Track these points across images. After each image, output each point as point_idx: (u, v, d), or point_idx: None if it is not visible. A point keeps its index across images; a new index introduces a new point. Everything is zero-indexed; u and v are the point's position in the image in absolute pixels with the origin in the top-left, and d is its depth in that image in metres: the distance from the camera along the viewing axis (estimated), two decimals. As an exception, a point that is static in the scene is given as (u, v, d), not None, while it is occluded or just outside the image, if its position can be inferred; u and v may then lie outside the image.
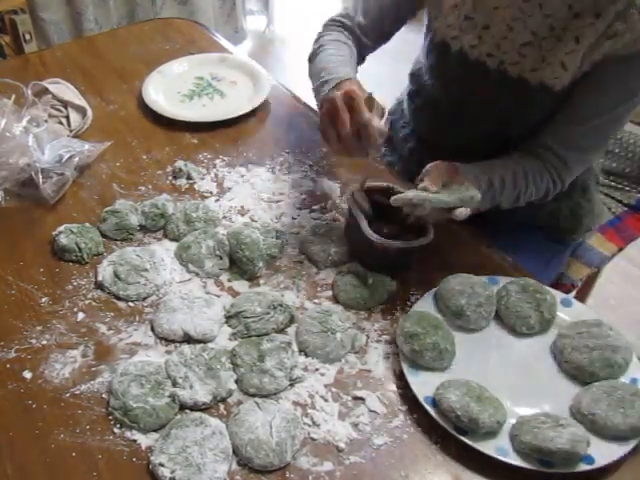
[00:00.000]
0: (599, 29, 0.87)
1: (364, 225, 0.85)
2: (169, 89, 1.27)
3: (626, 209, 1.35)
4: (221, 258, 0.91)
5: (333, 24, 1.13)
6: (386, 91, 1.12)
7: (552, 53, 0.92)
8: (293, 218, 1.00)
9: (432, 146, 1.13)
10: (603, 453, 0.68)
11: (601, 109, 0.93)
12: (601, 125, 0.94)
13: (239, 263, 0.90)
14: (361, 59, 1.13)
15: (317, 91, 1.00)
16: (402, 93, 1.26)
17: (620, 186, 1.37)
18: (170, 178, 1.07)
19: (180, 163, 1.07)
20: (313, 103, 1.24)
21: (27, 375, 0.77)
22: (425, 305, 0.84)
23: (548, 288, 0.84)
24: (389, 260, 0.88)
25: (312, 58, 1.09)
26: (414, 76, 1.17)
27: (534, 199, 0.99)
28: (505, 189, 0.93)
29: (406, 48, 1.32)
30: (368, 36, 1.11)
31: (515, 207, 0.99)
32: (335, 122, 0.88)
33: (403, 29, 1.14)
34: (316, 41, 1.12)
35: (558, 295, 0.85)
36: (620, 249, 1.31)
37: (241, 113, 1.18)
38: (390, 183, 0.92)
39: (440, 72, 1.07)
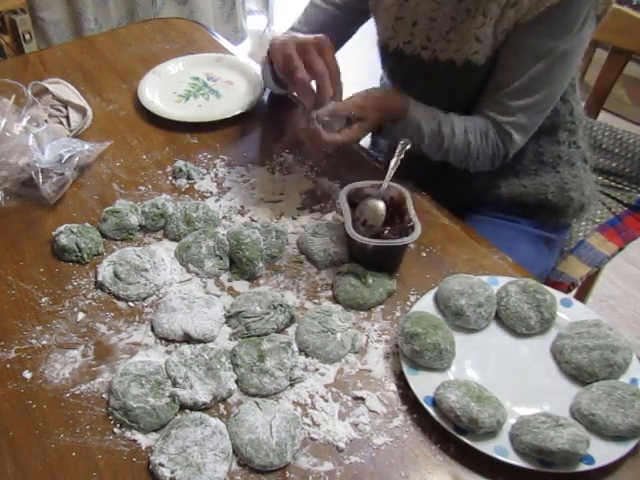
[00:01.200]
0: (502, 1, 0.95)
1: (347, 224, 0.86)
2: (165, 89, 1.27)
3: (626, 209, 1.35)
4: (221, 258, 0.91)
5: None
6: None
7: (468, 31, 1.00)
8: (293, 218, 1.00)
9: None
10: (603, 453, 0.68)
11: (519, 71, 0.98)
12: (525, 87, 0.99)
13: (239, 263, 0.90)
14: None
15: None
16: None
17: (620, 186, 1.37)
18: (170, 178, 1.07)
19: (180, 163, 1.07)
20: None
21: (27, 375, 0.77)
22: (425, 305, 0.84)
23: (548, 288, 0.84)
24: (375, 258, 0.88)
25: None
26: (381, 76, 1.25)
27: (482, 161, 1.04)
28: (454, 139, 1.00)
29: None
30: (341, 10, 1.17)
31: (502, 183, 1.06)
32: (305, 61, 0.91)
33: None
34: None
35: (558, 295, 0.85)
36: (620, 249, 1.31)
37: (237, 113, 1.18)
38: (381, 181, 0.92)
39: (387, 71, 1.18)
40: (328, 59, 0.91)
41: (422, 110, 1.00)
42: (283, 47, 0.92)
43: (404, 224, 0.88)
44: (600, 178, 1.38)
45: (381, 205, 0.90)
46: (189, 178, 1.06)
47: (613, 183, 1.38)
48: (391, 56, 1.11)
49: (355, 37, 1.24)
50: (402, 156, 0.93)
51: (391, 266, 0.90)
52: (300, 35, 0.94)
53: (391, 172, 0.91)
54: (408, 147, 0.94)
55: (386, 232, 0.88)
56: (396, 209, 0.91)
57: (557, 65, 0.98)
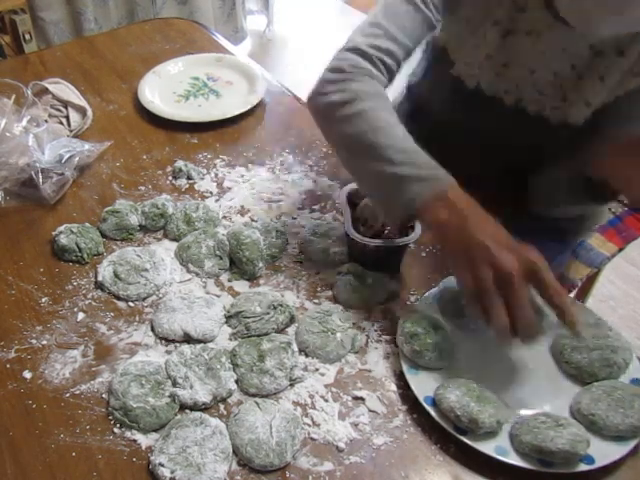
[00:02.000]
0: (624, 67, 0.85)
1: (347, 224, 0.85)
2: (165, 89, 1.27)
3: (626, 209, 1.35)
4: (221, 258, 0.91)
5: (356, 68, 0.87)
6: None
7: (574, 92, 0.90)
8: (293, 218, 1.00)
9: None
10: (603, 453, 0.68)
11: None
12: None
13: (239, 263, 0.90)
14: None
15: (388, 181, 0.77)
16: (395, 99, 1.19)
17: None
18: (170, 178, 1.07)
19: (180, 163, 1.07)
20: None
21: (27, 375, 0.77)
22: (425, 305, 0.84)
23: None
24: (375, 258, 0.87)
25: (342, 115, 0.83)
26: (412, 92, 1.12)
27: None
28: None
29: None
30: (400, 67, 0.93)
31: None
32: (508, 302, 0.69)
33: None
34: (343, 90, 0.85)
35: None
36: (620, 249, 1.31)
37: (236, 113, 1.19)
38: None
39: (452, 105, 1.02)
40: (547, 295, 0.70)
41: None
42: (471, 259, 0.70)
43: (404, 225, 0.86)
44: None
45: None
46: (189, 178, 1.06)
47: None
48: (468, 92, 0.97)
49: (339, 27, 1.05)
50: None
51: (392, 266, 0.90)
52: (503, 237, 0.70)
53: None
54: None
55: (386, 232, 0.87)
56: None
57: None
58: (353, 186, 0.90)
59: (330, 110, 0.84)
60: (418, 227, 0.85)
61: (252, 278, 0.90)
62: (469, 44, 0.94)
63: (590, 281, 1.46)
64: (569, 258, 1.25)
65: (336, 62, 0.88)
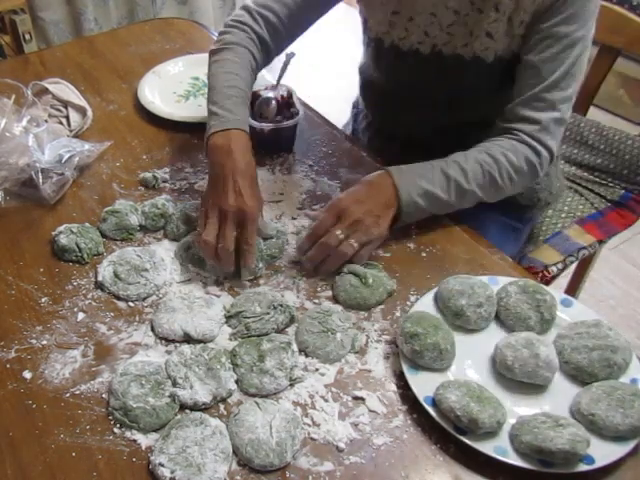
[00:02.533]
0: None
1: (250, 120, 1.02)
2: (165, 89, 1.27)
3: (609, 204, 1.37)
4: (221, 258, 0.91)
5: (238, 23, 1.06)
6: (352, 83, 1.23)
7: (477, 26, 0.97)
8: (293, 218, 1.00)
9: (389, 136, 1.19)
10: (603, 453, 0.68)
11: (557, 61, 0.94)
12: (564, 77, 0.95)
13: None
14: (267, 57, 1.09)
15: (208, 113, 0.96)
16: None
17: (604, 182, 1.39)
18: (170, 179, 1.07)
19: (148, 175, 1.05)
20: (313, 103, 1.25)
21: (27, 375, 0.77)
22: (425, 305, 0.84)
23: (548, 289, 0.84)
24: (272, 140, 1.09)
25: (211, 59, 1.04)
26: (361, 70, 1.22)
27: (523, 178, 0.97)
28: (468, 174, 0.92)
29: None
30: (282, 23, 1.06)
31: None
32: (219, 230, 0.86)
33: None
34: (218, 38, 1.06)
35: (558, 295, 0.85)
36: (600, 241, 1.32)
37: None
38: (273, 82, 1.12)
39: (380, 65, 1.13)
40: (245, 235, 0.86)
41: (412, 173, 0.92)
42: (206, 205, 0.88)
43: (291, 113, 1.09)
44: (585, 174, 1.40)
45: (272, 101, 1.08)
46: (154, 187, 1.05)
47: (597, 179, 1.39)
48: (387, 52, 1.07)
49: (338, 27, 1.23)
50: (289, 65, 1.10)
51: (286, 146, 1.12)
52: (230, 199, 0.86)
53: (282, 74, 1.11)
54: (293, 58, 1.09)
55: (278, 119, 1.08)
56: (286, 103, 1.10)
57: (585, 51, 0.96)
58: (257, 86, 1.08)
59: (209, 56, 1.06)
60: (302, 111, 1.08)
61: (252, 278, 0.90)
62: (376, 4, 1.05)
63: (579, 276, 1.50)
64: (526, 235, 1.26)
65: (228, 18, 1.10)
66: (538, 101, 0.96)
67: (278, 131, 1.09)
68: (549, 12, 0.93)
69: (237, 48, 1.03)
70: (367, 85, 1.22)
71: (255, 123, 1.05)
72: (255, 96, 1.09)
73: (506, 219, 1.18)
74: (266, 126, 1.07)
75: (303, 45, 1.20)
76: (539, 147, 0.96)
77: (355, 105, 1.38)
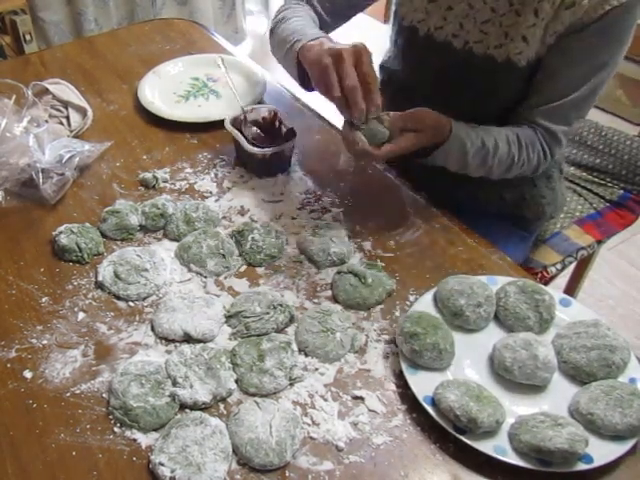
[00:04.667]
0: (556, 0, 0.91)
1: (244, 143, 1.03)
2: (165, 90, 1.27)
3: (608, 204, 1.37)
4: (224, 257, 0.91)
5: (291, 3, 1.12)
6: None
7: (513, 28, 0.96)
8: (293, 218, 1.00)
9: None
10: (601, 452, 0.69)
11: (580, 81, 0.95)
12: (584, 98, 0.97)
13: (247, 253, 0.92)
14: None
15: (289, 51, 0.98)
16: None
17: (603, 182, 1.39)
18: (169, 179, 1.07)
19: (148, 175, 1.06)
20: (313, 103, 1.25)
21: (27, 375, 0.77)
22: (424, 305, 0.84)
23: (547, 289, 0.84)
24: (271, 163, 1.06)
25: (274, 29, 1.08)
26: (383, 67, 1.20)
27: (524, 170, 1.02)
28: (498, 153, 0.96)
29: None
30: (327, 14, 1.11)
31: (481, 194, 1.04)
32: (339, 73, 0.85)
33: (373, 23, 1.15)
34: (276, 15, 1.11)
35: (557, 295, 0.85)
36: (599, 242, 1.32)
37: (237, 113, 1.18)
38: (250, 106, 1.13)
39: (410, 56, 1.11)
40: (365, 70, 0.84)
41: (464, 128, 0.95)
42: (319, 59, 0.87)
43: (283, 133, 1.08)
44: (584, 174, 1.40)
45: (254, 128, 1.10)
46: (156, 185, 1.05)
47: (596, 179, 1.40)
48: (421, 41, 1.05)
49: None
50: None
51: (283, 168, 1.09)
52: (334, 43, 0.89)
53: (235, 92, 1.13)
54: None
55: (277, 142, 1.05)
56: (272, 123, 1.11)
57: (611, 75, 0.96)
58: (230, 115, 1.09)
59: (271, 25, 1.11)
60: (295, 131, 1.05)
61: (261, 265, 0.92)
62: None
63: (578, 276, 1.50)
64: (531, 243, 1.27)
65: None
66: (558, 116, 0.99)
67: (280, 153, 1.06)
68: (586, 30, 0.91)
69: (298, 7, 1.09)
70: (389, 81, 1.19)
71: (255, 150, 1.03)
72: (236, 120, 1.08)
73: (513, 228, 1.19)
74: (268, 151, 1.03)
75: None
76: (548, 152, 1.01)
77: None
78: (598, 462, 0.68)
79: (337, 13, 1.13)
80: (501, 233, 1.14)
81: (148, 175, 1.05)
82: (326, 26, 1.12)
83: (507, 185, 1.10)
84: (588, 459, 0.68)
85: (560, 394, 0.76)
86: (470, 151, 0.94)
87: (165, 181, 1.06)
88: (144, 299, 0.87)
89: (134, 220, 0.96)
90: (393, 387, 0.77)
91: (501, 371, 0.77)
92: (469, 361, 0.79)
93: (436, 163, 0.96)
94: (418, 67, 1.10)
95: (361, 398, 0.76)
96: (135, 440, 0.71)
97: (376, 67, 1.08)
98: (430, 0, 1.02)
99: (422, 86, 1.09)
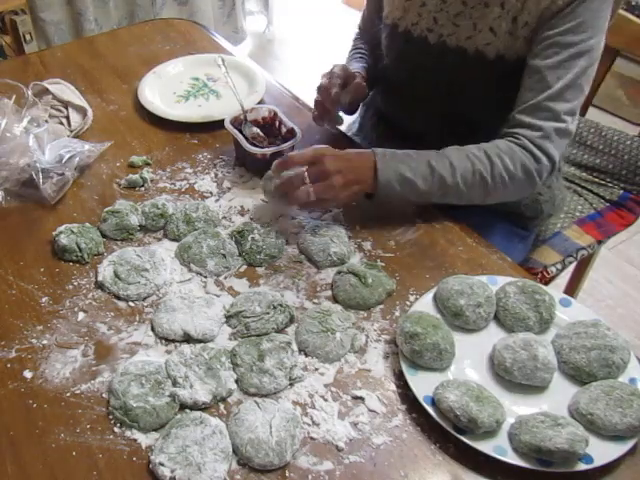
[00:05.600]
0: None
1: (245, 144, 1.03)
2: (165, 90, 1.27)
3: (608, 205, 1.37)
4: (224, 257, 0.91)
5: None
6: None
7: (481, 20, 0.99)
8: (293, 218, 1.00)
9: (399, 132, 1.19)
10: (601, 452, 0.68)
11: (562, 69, 0.93)
12: (569, 87, 0.94)
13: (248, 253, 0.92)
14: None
15: None
16: None
17: (603, 182, 1.39)
18: (168, 180, 1.07)
19: (135, 176, 1.06)
20: (313, 102, 1.25)
21: (28, 375, 0.77)
22: (424, 305, 0.84)
23: (546, 289, 0.84)
24: (269, 164, 1.00)
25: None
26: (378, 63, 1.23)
27: (518, 185, 0.95)
28: (457, 173, 0.92)
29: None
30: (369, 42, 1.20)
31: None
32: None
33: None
34: None
35: (557, 295, 0.85)
36: (599, 242, 1.33)
37: (237, 113, 1.19)
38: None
39: (392, 53, 1.14)
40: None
41: (398, 156, 0.93)
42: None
43: (282, 133, 1.09)
44: (584, 174, 1.40)
45: (254, 128, 1.09)
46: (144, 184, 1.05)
47: (596, 179, 1.40)
48: (400, 37, 1.09)
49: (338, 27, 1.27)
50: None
51: None
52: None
53: (236, 92, 1.12)
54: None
55: (277, 142, 1.07)
56: (272, 124, 1.11)
57: (593, 63, 0.95)
58: (230, 115, 1.09)
59: None
60: (299, 130, 1.05)
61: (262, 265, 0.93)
62: None
63: (578, 276, 1.50)
64: (531, 242, 1.27)
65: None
66: (542, 110, 0.94)
67: (279, 154, 1.04)
68: (556, 19, 0.92)
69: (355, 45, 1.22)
70: (379, 76, 1.22)
71: (257, 150, 1.04)
72: (236, 123, 1.09)
73: (513, 227, 1.19)
74: (268, 151, 1.04)
75: (304, 45, 1.21)
76: (539, 154, 0.95)
77: (365, 102, 1.36)
78: (598, 462, 0.68)
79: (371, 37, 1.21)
80: (501, 233, 1.14)
81: (134, 177, 1.05)
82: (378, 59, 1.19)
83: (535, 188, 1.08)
84: (588, 459, 0.68)
85: (560, 394, 0.76)
86: (414, 178, 0.92)
87: (152, 180, 1.06)
88: (144, 299, 0.87)
89: (134, 220, 0.96)
90: (393, 387, 0.77)
91: (501, 372, 0.77)
92: (469, 361, 0.79)
93: (385, 198, 0.94)
94: (399, 60, 1.14)
95: (361, 398, 0.76)
96: (135, 440, 0.71)
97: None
98: None
99: (403, 82, 1.14)
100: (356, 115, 1.42)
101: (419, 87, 1.11)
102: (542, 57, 0.94)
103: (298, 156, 0.92)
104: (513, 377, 0.76)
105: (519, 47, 0.98)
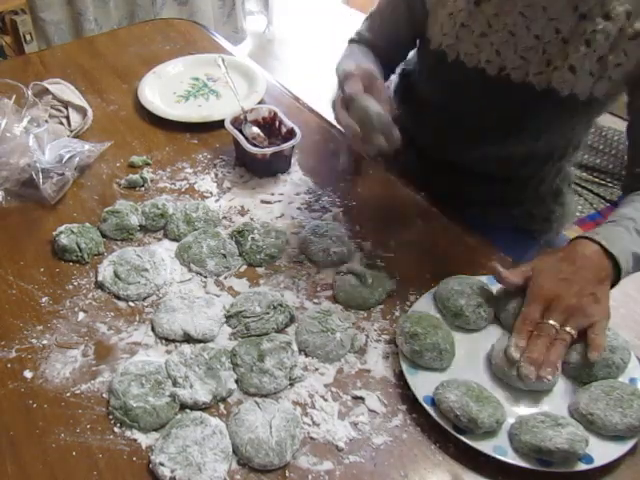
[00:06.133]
0: (611, 31, 0.84)
1: (244, 144, 1.03)
2: (165, 90, 1.27)
3: (608, 204, 1.37)
4: (224, 257, 0.91)
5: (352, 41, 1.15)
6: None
7: (558, 56, 0.90)
8: (293, 218, 1.00)
9: (420, 151, 1.13)
10: (602, 452, 0.68)
11: None
12: None
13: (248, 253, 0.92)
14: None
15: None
16: (388, 88, 1.23)
17: (603, 182, 1.39)
18: (168, 180, 1.07)
19: (136, 176, 1.05)
20: (313, 102, 1.25)
21: (28, 375, 0.77)
22: (425, 305, 0.84)
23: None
24: (271, 164, 1.06)
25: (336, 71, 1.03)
26: (406, 76, 1.17)
27: None
28: None
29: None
30: (382, 57, 1.10)
31: (491, 212, 1.01)
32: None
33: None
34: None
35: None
36: None
37: (237, 113, 1.19)
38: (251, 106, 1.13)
39: (437, 80, 1.06)
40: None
41: (619, 235, 0.81)
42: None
43: (282, 133, 1.09)
44: (584, 174, 1.40)
45: (254, 128, 1.09)
46: (144, 184, 1.05)
47: (597, 179, 1.40)
48: (450, 67, 0.99)
49: (337, 27, 1.22)
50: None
51: (283, 168, 1.09)
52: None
53: (236, 92, 1.13)
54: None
55: (277, 142, 1.07)
56: (271, 124, 1.11)
57: None
58: (230, 115, 1.09)
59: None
60: (298, 131, 1.05)
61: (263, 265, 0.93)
62: (442, 15, 0.98)
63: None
64: (537, 251, 1.26)
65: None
66: None
67: (281, 154, 1.06)
68: None
69: (356, 45, 1.11)
70: (409, 90, 1.14)
71: (256, 150, 1.03)
72: (237, 120, 1.09)
73: (522, 238, 1.18)
74: (268, 151, 1.04)
75: (304, 45, 1.21)
76: None
77: None
78: (598, 462, 0.68)
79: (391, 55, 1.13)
80: (507, 238, 1.12)
81: (134, 177, 1.05)
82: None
83: (515, 203, 1.09)
84: (588, 459, 0.68)
85: (560, 394, 0.76)
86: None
87: (152, 180, 1.06)
88: (144, 299, 0.87)
89: (134, 220, 0.96)
90: (393, 387, 0.77)
91: (500, 375, 0.76)
92: (469, 361, 0.79)
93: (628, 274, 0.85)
94: (447, 90, 1.04)
95: (361, 398, 0.76)
96: (135, 440, 0.71)
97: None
98: (462, 25, 0.96)
99: (451, 112, 1.04)
100: None
101: (468, 118, 1.01)
102: None
103: (528, 314, 0.77)
104: (511, 381, 0.75)
105: (601, 87, 0.90)
